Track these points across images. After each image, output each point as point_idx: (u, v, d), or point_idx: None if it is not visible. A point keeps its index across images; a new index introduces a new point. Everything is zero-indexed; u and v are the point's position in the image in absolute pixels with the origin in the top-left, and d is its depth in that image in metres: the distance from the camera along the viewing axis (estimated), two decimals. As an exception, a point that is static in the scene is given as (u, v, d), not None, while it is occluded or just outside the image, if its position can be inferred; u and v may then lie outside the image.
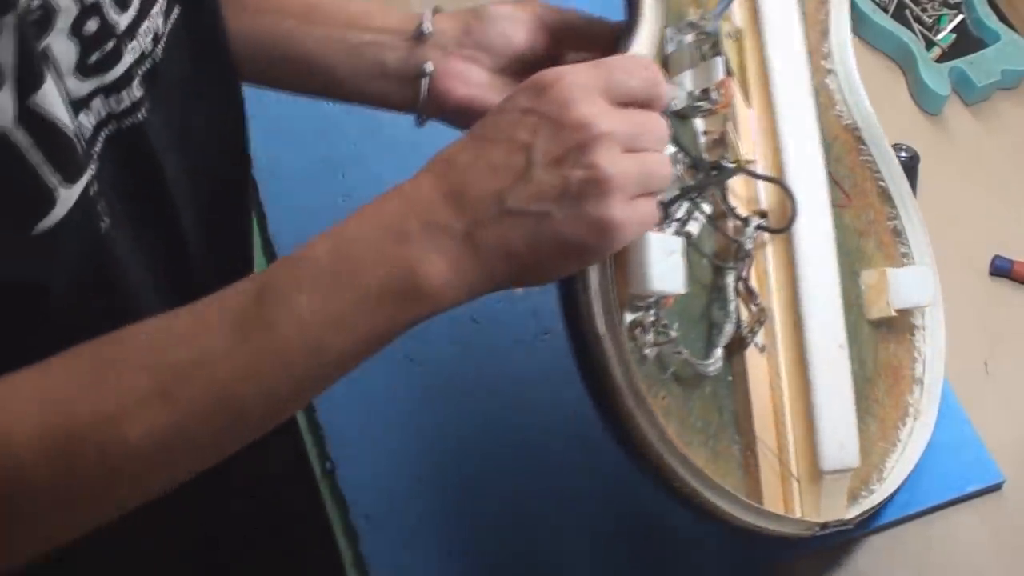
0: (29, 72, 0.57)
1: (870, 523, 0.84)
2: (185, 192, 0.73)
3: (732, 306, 0.75)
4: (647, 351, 0.70)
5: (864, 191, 0.85)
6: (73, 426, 0.57)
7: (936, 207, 0.94)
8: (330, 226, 0.61)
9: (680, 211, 0.73)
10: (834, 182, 0.82)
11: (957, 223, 0.86)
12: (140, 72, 0.66)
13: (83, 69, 0.62)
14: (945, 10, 1.11)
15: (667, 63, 0.75)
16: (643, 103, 0.63)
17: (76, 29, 0.60)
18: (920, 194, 0.97)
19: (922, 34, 1.09)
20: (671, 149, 0.73)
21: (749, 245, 0.75)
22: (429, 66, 0.79)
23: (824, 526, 0.77)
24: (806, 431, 0.77)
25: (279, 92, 0.82)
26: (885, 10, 1.11)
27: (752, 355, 0.77)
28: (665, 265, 0.67)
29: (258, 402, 0.60)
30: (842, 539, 0.84)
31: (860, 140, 0.86)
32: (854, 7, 1.08)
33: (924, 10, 1.10)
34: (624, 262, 0.68)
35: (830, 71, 0.85)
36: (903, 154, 0.98)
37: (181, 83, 0.70)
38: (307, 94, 0.85)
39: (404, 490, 0.86)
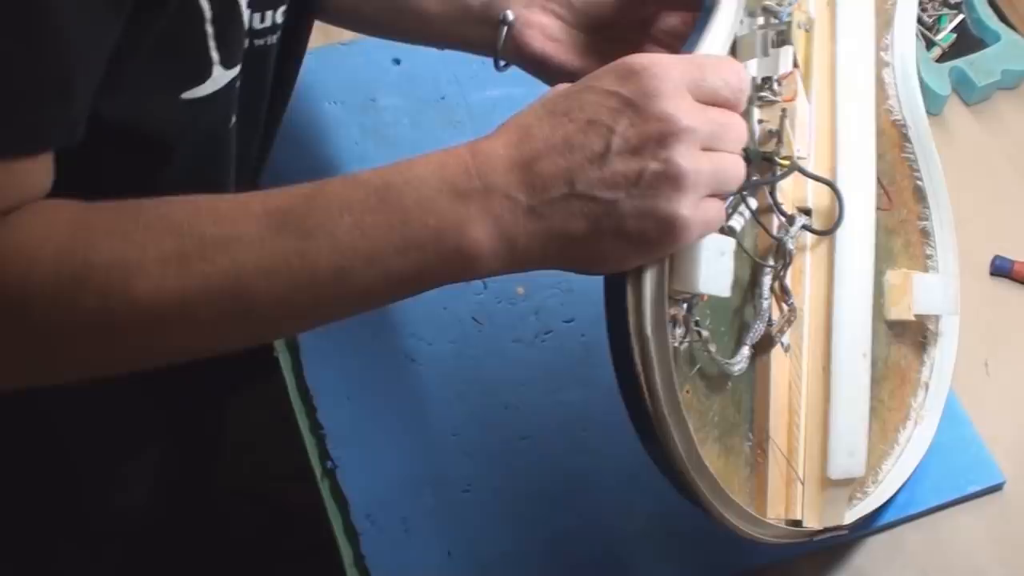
0: None
1: (864, 526, 0.84)
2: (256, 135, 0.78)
3: (766, 305, 0.73)
4: (678, 345, 0.69)
5: (900, 188, 0.84)
6: (89, 259, 0.57)
7: (936, 207, 0.94)
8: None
9: (727, 205, 0.71)
10: (880, 185, 0.81)
11: (957, 223, 0.86)
12: (287, 2, 0.69)
13: None
14: (945, 10, 1.11)
15: (735, 45, 0.73)
16: (727, 105, 0.62)
17: None
18: (920, 194, 0.97)
19: (922, 34, 1.09)
20: None
21: (791, 245, 0.73)
22: (510, 15, 0.80)
23: (821, 532, 0.77)
24: (819, 436, 0.77)
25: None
26: (885, 10, 1.11)
27: (777, 354, 0.76)
28: (715, 267, 0.65)
29: (268, 302, 0.59)
30: (834, 543, 0.84)
31: (906, 137, 0.84)
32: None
33: (924, 10, 1.10)
34: (673, 258, 0.65)
35: (887, 63, 0.83)
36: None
37: (292, 31, 0.74)
38: (396, 36, 0.88)
39: (404, 490, 0.86)
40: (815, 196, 0.76)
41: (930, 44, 1.09)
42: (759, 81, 0.72)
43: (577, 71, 0.81)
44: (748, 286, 0.74)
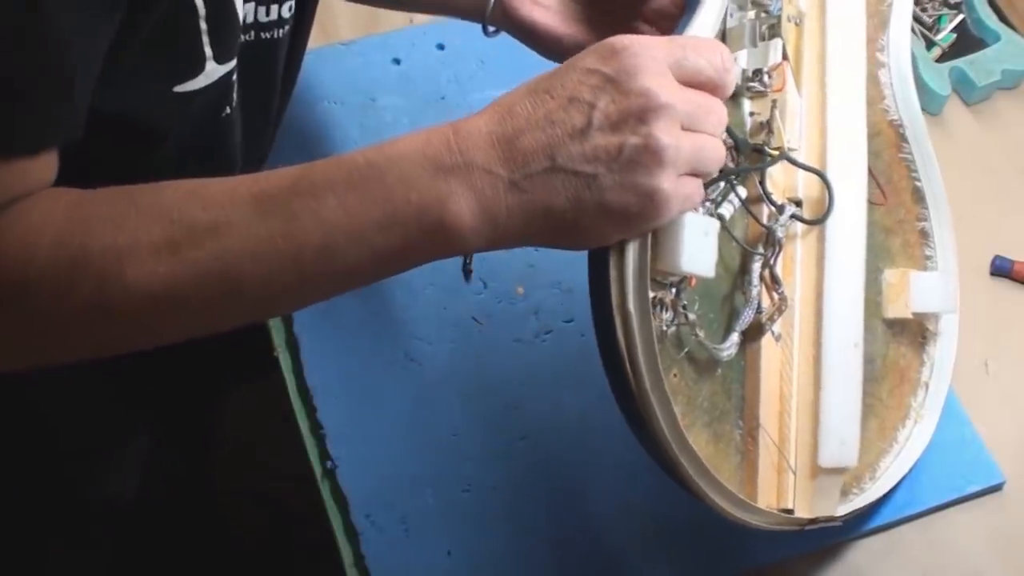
0: None
1: (860, 523, 0.84)
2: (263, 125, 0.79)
3: (755, 292, 0.74)
4: (665, 328, 0.69)
5: (898, 189, 0.85)
6: (85, 245, 0.58)
7: (936, 207, 0.94)
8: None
9: (715, 192, 0.72)
10: (872, 179, 0.81)
11: (957, 223, 0.86)
12: None
13: None
14: (945, 10, 1.11)
15: (725, 37, 0.74)
16: (710, 87, 0.63)
17: None
18: (920, 194, 0.97)
19: (922, 34, 1.09)
20: None
21: (780, 233, 0.74)
22: None
23: (813, 521, 0.77)
24: (810, 424, 0.77)
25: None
26: (885, 10, 1.11)
27: (767, 343, 0.76)
28: (698, 246, 0.66)
29: (256, 284, 0.60)
30: (832, 539, 0.84)
31: (903, 137, 0.84)
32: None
33: (924, 10, 1.10)
34: (657, 238, 0.66)
35: (883, 64, 0.84)
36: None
37: (299, 24, 0.76)
38: (391, 5, 0.90)
39: (404, 490, 0.86)
40: (806, 186, 0.77)
41: (930, 44, 1.09)
42: (750, 73, 0.73)
43: (564, 37, 0.82)
44: (738, 273, 0.75)
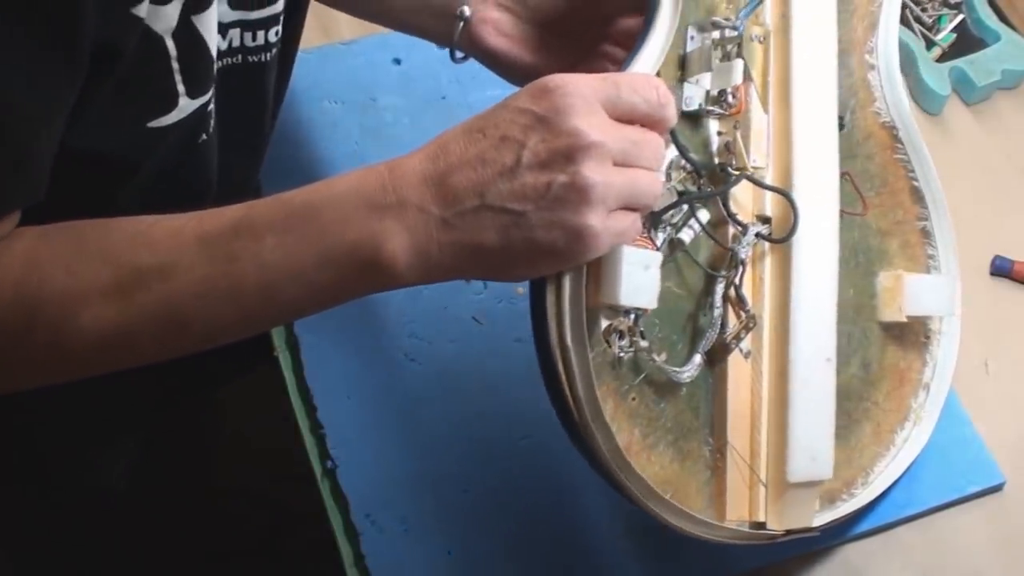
0: None
1: (860, 523, 0.84)
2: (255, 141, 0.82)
3: (717, 314, 0.74)
4: (622, 354, 0.70)
5: (895, 190, 0.85)
6: (40, 293, 0.61)
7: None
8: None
9: (676, 217, 0.73)
10: (855, 190, 0.81)
11: (957, 223, 0.86)
12: (281, 20, 0.73)
13: (233, 2, 0.70)
14: (945, 10, 1.11)
15: (685, 61, 0.75)
16: (648, 123, 0.64)
17: None
18: (920, 194, 0.97)
19: (922, 34, 1.09)
20: (672, 154, 0.72)
21: (743, 254, 0.75)
22: (466, 10, 0.83)
23: (789, 533, 0.77)
24: (779, 440, 0.77)
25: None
26: (885, 10, 1.11)
27: (736, 361, 0.76)
28: (637, 280, 0.67)
29: (201, 322, 0.63)
30: (832, 540, 0.84)
31: (897, 138, 0.84)
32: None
33: (924, 10, 1.10)
34: (599, 271, 0.68)
35: (873, 66, 0.84)
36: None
37: (286, 44, 0.78)
38: (358, 15, 0.92)
39: (404, 490, 0.86)
40: (774, 205, 0.77)
41: (930, 44, 1.09)
42: (714, 94, 0.74)
43: (529, 66, 0.83)
44: (701, 295, 0.75)
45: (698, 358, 0.74)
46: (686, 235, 0.73)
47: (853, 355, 0.82)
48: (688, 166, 0.73)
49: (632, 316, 0.70)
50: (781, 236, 0.76)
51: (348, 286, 0.63)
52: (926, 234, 0.86)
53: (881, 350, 0.84)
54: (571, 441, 0.71)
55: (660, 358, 0.72)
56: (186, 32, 0.66)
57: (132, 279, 0.61)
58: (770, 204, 0.77)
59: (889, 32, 0.84)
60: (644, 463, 0.73)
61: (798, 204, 0.75)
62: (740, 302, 0.75)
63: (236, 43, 0.73)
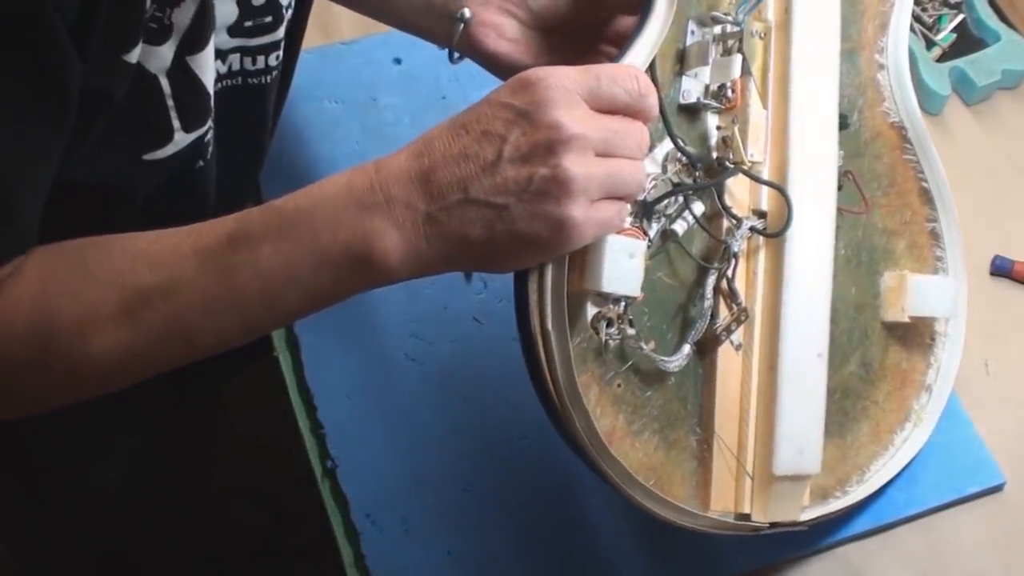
0: (197, 37, 0.66)
1: (860, 523, 0.84)
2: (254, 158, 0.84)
3: (707, 305, 0.75)
4: (609, 341, 0.71)
5: (903, 190, 0.85)
6: (52, 324, 0.63)
7: (936, 207, 0.94)
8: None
9: (670, 208, 0.73)
10: (856, 188, 0.81)
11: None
12: (283, 44, 0.75)
13: (233, 31, 0.71)
14: (945, 10, 1.11)
15: (684, 55, 0.75)
16: (630, 113, 0.65)
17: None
18: (920, 194, 0.97)
19: (922, 34, 1.09)
20: (668, 146, 0.73)
21: (736, 247, 0.75)
22: (466, 12, 0.83)
23: (774, 526, 0.77)
24: (766, 433, 0.77)
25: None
26: (885, 10, 1.11)
27: (726, 353, 0.77)
28: (621, 268, 0.68)
29: (208, 334, 0.65)
30: (832, 540, 0.84)
31: (905, 139, 0.84)
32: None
33: (924, 10, 1.10)
34: (584, 259, 0.68)
35: (883, 66, 0.84)
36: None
37: (287, 64, 0.79)
38: (358, 10, 0.93)
39: (404, 490, 0.86)
40: (769, 199, 0.77)
41: (930, 44, 1.09)
42: (713, 89, 0.74)
43: (528, 69, 0.83)
44: (693, 286, 0.76)
45: (687, 348, 0.74)
46: (679, 226, 0.74)
47: (852, 353, 0.82)
48: (684, 158, 0.73)
49: (621, 304, 0.71)
50: (775, 231, 0.76)
51: (345, 285, 0.64)
52: (935, 236, 0.86)
53: (883, 350, 0.84)
54: (552, 426, 0.71)
55: (648, 346, 0.72)
56: (181, 71, 0.67)
57: (137, 300, 0.62)
58: (766, 199, 0.77)
59: (900, 33, 0.84)
60: (627, 449, 0.73)
61: (792, 199, 0.75)
62: (732, 295, 0.75)
63: (236, 67, 0.74)
